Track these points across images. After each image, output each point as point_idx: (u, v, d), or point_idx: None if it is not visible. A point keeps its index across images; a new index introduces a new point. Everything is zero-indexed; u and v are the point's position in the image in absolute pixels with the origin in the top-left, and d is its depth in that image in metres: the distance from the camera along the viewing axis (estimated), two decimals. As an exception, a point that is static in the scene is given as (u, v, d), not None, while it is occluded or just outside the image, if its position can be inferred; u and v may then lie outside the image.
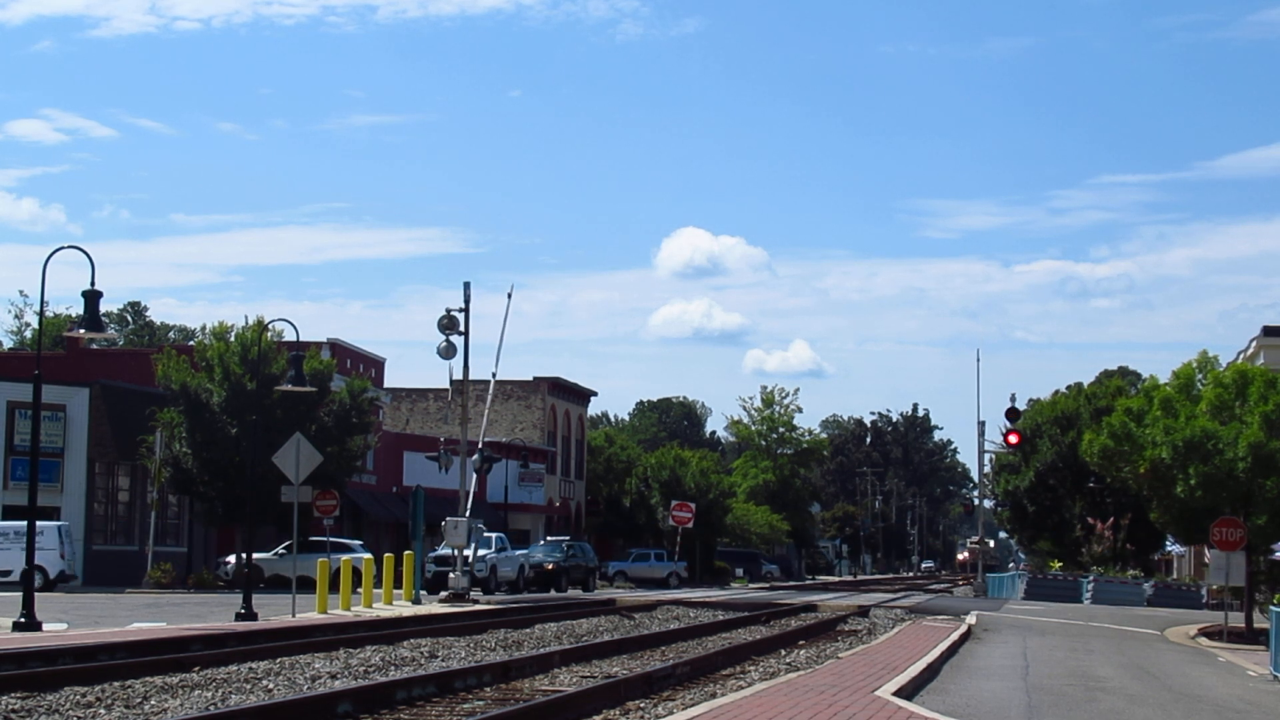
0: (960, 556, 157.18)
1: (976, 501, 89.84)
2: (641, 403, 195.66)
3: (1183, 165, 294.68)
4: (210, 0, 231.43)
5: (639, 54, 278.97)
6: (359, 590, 41.74)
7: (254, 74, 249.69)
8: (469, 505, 49.80)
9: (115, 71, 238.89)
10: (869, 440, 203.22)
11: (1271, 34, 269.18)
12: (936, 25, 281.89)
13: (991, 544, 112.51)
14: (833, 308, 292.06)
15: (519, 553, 61.53)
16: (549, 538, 75.45)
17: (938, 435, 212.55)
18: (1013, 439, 65.04)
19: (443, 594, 47.00)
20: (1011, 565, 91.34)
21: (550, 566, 60.89)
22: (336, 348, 72.88)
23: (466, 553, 47.21)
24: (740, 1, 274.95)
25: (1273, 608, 28.02)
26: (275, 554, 57.80)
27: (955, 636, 31.53)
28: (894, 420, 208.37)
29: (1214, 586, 45.83)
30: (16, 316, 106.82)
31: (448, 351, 47.98)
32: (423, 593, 45.62)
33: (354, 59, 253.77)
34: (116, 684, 19.72)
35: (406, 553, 45.68)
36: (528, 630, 34.28)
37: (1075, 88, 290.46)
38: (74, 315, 77.29)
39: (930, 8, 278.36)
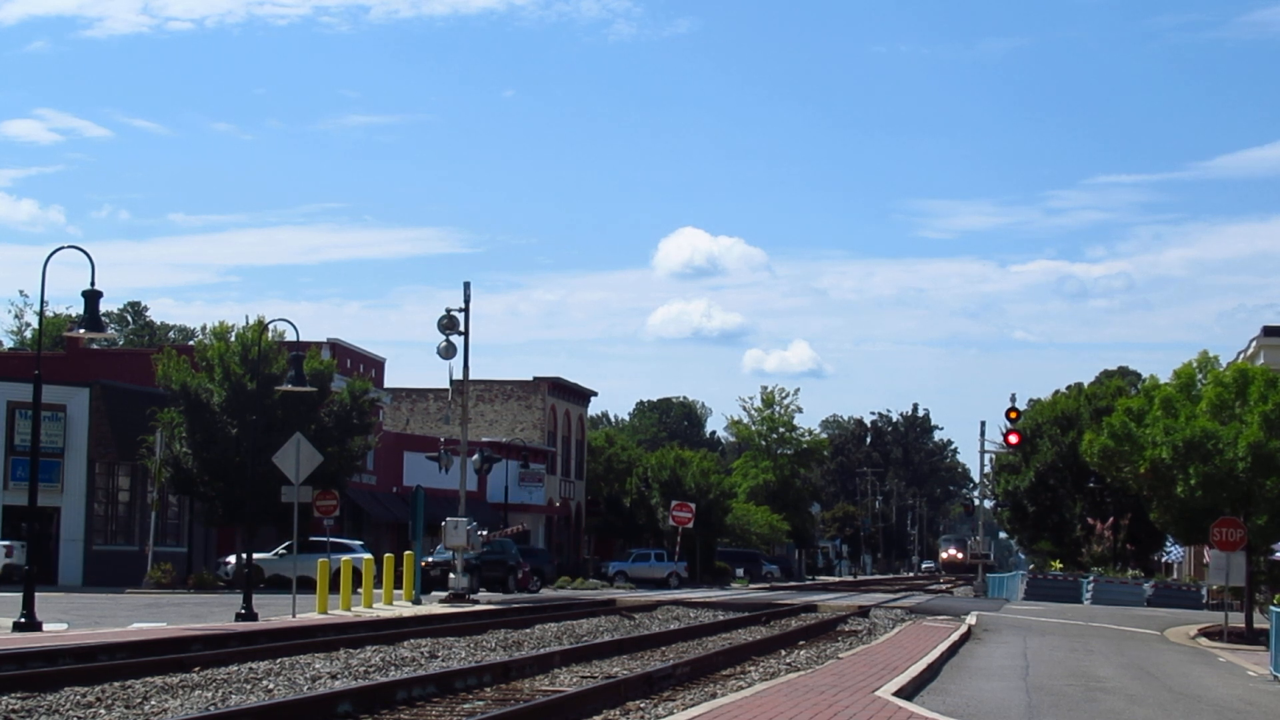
0: (944, 555, 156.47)
1: (977, 501, 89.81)
2: (641, 403, 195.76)
3: (1178, 165, 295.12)
4: (203, 0, 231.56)
5: (632, 54, 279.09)
6: (359, 590, 41.74)
7: (248, 74, 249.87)
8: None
9: (109, 72, 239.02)
10: (869, 440, 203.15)
11: (1265, 34, 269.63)
12: (930, 26, 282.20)
13: (990, 556, 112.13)
14: (830, 308, 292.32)
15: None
16: None
17: (938, 435, 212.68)
18: (1013, 439, 65.01)
19: (442, 594, 47.04)
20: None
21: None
22: (337, 348, 72.88)
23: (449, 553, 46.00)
24: (732, 2, 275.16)
25: (1273, 608, 28.02)
26: (275, 554, 57.77)
27: (955, 637, 31.54)
28: (894, 420, 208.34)
29: (1214, 587, 45.82)
30: (16, 316, 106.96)
31: (448, 351, 48.01)
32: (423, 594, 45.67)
33: (348, 59, 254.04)
34: (117, 684, 19.72)
35: (407, 553, 45.72)
36: (528, 630, 34.30)
37: (1070, 88, 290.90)
38: (74, 315, 77.28)
39: (923, 8, 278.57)
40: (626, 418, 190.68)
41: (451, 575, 47.80)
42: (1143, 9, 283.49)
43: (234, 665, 22.89)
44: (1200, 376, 40.76)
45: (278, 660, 23.99)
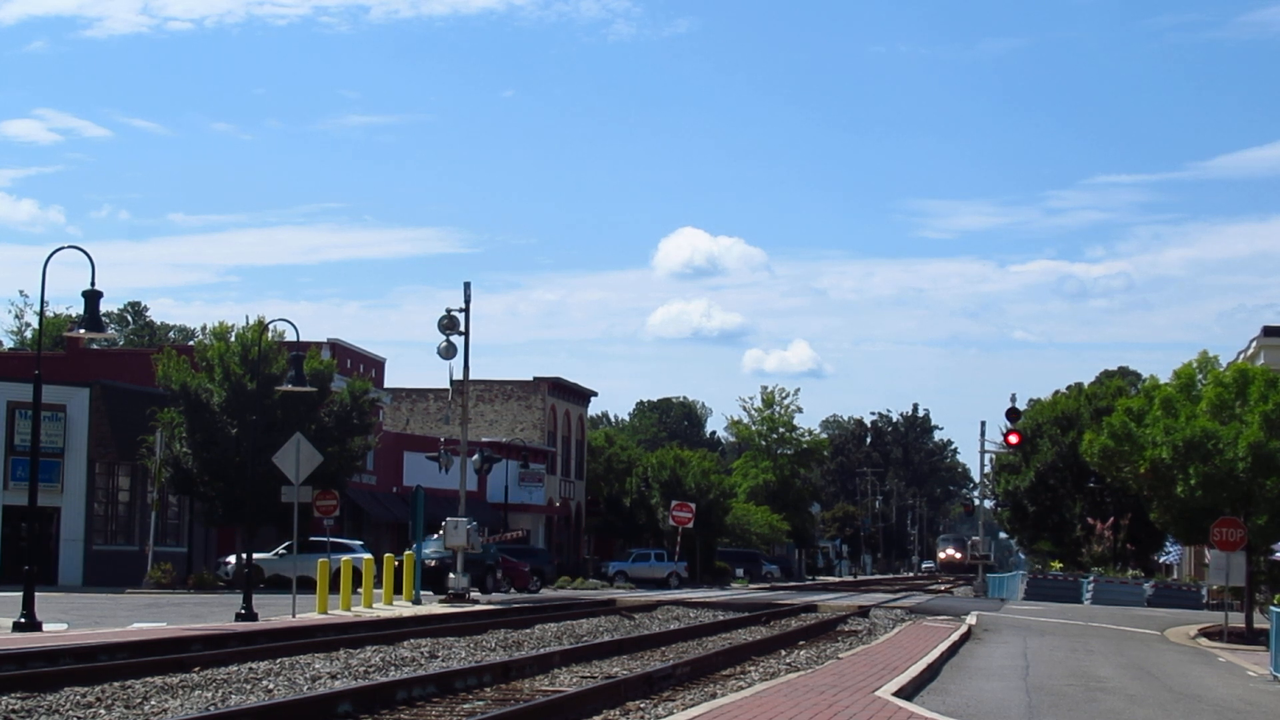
0: (943, 555, 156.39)
1: (976, 501, 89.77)
2: (641, 403, 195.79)
3: (1177, 165, 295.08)
4: (203, 0, 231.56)
5: (632, 54, 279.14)
6: (359, 590, 41.74)
7: (248, 74, 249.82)
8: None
9: (109, 72, 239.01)
10: (869, 440, 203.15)
11: (1264, 34, 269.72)
12: (929, 26, 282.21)
13: (990, 556, 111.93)
14: (830, 308, 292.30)
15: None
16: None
17: (938, 435, 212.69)
18: (1013, 439, 65.03)
19: (440, 595, 47.05)
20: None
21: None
22: (337, 348, 72.87)
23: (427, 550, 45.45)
24: (732, 2, 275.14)
25: (1273, 608, 28.02)
26: (275, 554, 57.77)
27: (955, 637, 31.54)
28: (894, 420, 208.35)
29: (1214, 587, 45.82)
30: (16, 316, 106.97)
31: (448, 351, 48.01)
32: (423, 593, 45.67)
33: (347, 59, 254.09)
34: (117, 684, 19.72)
35: (407, 553, 45.73)
36: (528, 630, 34.30)
37: (1069, 88, 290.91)
38: (74, 315, 77.31)
39: (922, 8, 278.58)
40: (626, 418, 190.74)
41: (451, 575, 47.77)
42: (1142, 9, 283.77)
43: (234, 665, 22.89)
44: (1200, 377, 40.76)
45: (278, 660, 23.99)
